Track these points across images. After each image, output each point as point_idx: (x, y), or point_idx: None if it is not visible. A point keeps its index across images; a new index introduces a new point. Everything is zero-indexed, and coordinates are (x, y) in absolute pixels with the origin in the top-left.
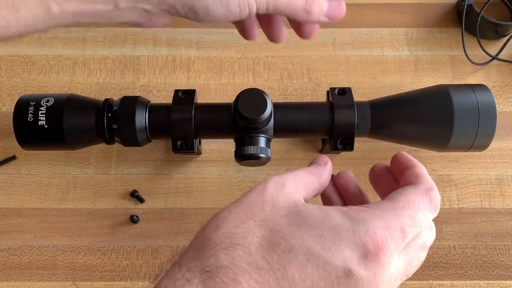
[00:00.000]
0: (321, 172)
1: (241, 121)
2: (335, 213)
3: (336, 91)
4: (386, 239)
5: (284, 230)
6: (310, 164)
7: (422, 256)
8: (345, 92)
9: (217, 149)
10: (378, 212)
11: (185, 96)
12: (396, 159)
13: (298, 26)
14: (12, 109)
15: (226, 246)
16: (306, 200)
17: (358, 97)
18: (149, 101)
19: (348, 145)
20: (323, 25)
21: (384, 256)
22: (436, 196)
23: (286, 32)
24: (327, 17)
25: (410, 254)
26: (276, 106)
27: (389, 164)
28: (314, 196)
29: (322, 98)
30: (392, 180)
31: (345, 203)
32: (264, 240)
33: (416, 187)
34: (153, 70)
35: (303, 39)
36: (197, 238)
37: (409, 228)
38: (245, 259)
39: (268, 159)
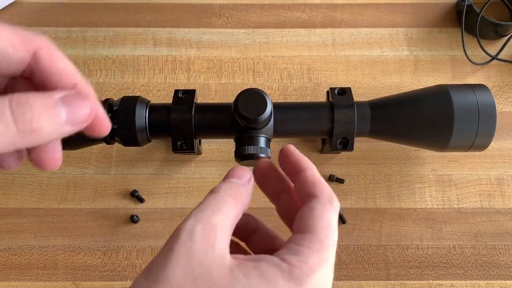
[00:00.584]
0: (242, 192)
1: (241, 121)
2: (277, 276)
3: (336, 91)
4: (330, 278)
5: None
6: (229, 176)
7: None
8: (345, 92)
9: (217, 149)
10: (313, 259)
11: (185, 96)
12: (285, 157)
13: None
14: None
15: None
16: None
17: (358, 97)
18: (149, 101)
19: (348, 145)
20: (323, 25)
21: None
22: (337, 203)
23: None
24: (70, 124)
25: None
26: (276, 106)
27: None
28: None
29: (322, 98)
30: (278, 180)
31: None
32: None
33: (320, 202)
34: (153, 70)
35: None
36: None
37: (333, 249)
38: None
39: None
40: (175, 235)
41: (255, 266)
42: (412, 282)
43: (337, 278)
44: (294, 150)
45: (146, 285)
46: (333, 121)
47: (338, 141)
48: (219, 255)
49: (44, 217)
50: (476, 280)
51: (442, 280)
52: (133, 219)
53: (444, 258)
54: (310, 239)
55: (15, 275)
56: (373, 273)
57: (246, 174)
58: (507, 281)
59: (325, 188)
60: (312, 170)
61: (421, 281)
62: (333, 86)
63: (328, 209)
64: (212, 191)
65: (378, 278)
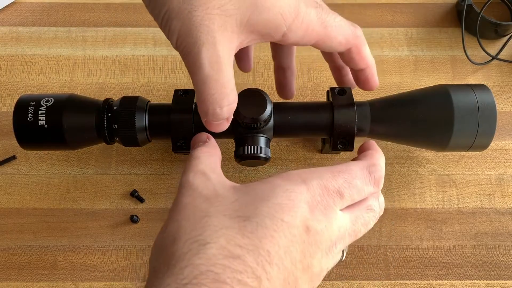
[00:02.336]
0: (214, 147)
1: (241, 121)
2: (279, 181)
3: (336, 91)
4: (325, 195)
5: (241, 213)
6: (193, 146)
7: (367, 216)
8: (344, 92)
9: None
10: (315, 174)
11: (185, 96)
12: (363, 147)
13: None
14: (12, 109)
15: (196, 251)
16: None
17: (358, 97)
18: (149, 101)
19: (348, 145)
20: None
21: (327, 210)
22: (377, 171)
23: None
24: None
25: (355, 212)
26: (276, 106)
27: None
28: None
29: (322, 98)
30: None
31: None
32: (229, 229)
33: (358, 161)
34: (153, 70)
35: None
36: (155, 260)
37: (345, 190)
38: (221, 254)
39: (268, 159)
40: (179, 187)
41: (258, 181)
42: (412, 282)
43: (337, 278)
44: (373, 142)
45: (167, 220)
46: (333, 121)
47: (338, 141)
48: (217, 181)
49: (44, 217)
50: (476, 280)
51: (442, 280)
52: (133, 219)
53: (444, 258)
54: (323, 167)
55: (15, 275)
56: (373, 273)
57: (203, 136)
58: (508, 281)
59: (374, 157)
60: (375, 151)
61: (421, 281)
62: (333, 86)
63: (360, 166)
64: (190, 158)
65: (378, 278)
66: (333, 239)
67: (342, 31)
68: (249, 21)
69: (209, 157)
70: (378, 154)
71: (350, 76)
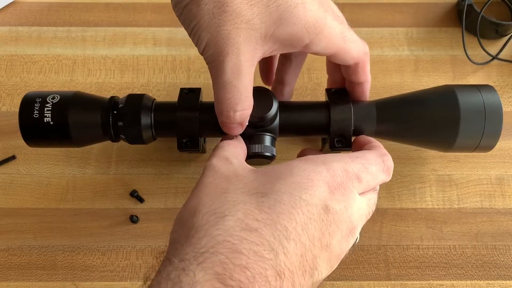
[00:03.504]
0: (240, 141)
1: None
2: (298, 162)
3: (332, 91)
4: (344, 177)
5: (261, 189)
6: (223, 140)
7: (374, 198)
8: (341, 92)
9: None
10: (336, 157)
11: (190, 94)
12: (356, 141)
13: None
14: (12, 109)
15: (214, 223)
16: None
17: None
18: (154, 99)
19: (346, 144)
20: None
21: (346, 192)
22: (389, 161)
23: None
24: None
25: (366, 195)
26: (281, 105)
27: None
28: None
29: (322, 98)
30: None
31: None
32: (247, 204)
33: (372, 150)
34: (153, 69)
35: None
36: (175, 232)
37: (363, 175)
38: (238, 226)
39: (273, 157)
40: (203, 170)
41: (278, 164)
42: (412, 282)
43: (337, 278)
44: (365, 136)
45: (190, 197)
46: (330, 120)
47: (336, 139)
48: (239, 164)
49: (43, 217)
50: (477, 280)
51: (442, 280)
52: (133, 219)
53: (445, 258)
54: (342, 153)
55: (15, 275)
56: (373, 273)
57: (230, 136)
58: (508, 281)
59: (382, 148)
60: (376, 143)
61: (421, 281)
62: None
63: (374, 154)
64: (215, 147)
65: (378, 278)
66: (353, 220)
67: (356, 47)
68: (274, 34)
69: (233, 147)
70: (381, 145)
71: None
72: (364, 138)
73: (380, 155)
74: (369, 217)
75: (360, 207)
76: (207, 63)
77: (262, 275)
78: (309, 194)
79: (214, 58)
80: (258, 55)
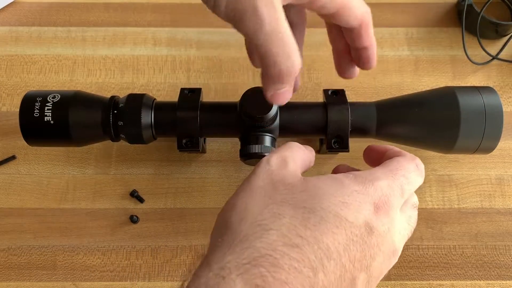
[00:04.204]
0: (310, 149)
1: (247, 120)
2: (347, 180)
3: (329, 92)
4: (390, 195)
5: (308, 204)
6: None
7: (415, 215)
8: (338, 92)
9: (217, 149)
10: (378, 174)
11: (190, 94)
12: (369, 151)
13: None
14: (12, 109)
15: (259, 235)
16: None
17: (358, 97)
18: (155, 99)
19: (343, 144)
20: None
21: (391, 211)
22: (421, 163)
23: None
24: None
25: (406, 212)
26: (281, 105)
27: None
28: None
29: (322, 98)
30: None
31: None
32: (293, 218)
33: (402, 157)
34: (153, 69)
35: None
36: (219, 235)
37: (406, 186)
38: (281, 241)
39: None
40: (256, 165)
41: (327, 176)
42: (412, 282)
43: None
44: (376, 144)
45: (236, 198)
46: (327, 120)
47: (333, 140)
48: (292, 171)
49: (43, 217)
50: (477, 280)
51: (442, 280)
52: (133, 219)
53: (445, 258)
54: (380, 168)
55: (15, 275)
56: None
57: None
58: (508, 281)
59: (407, 153)
60: (395, 148)
61: (421, 281)
62: (334, 86)
63: (407, 160)
64: (283, 145)
65: None
66: (395, 242)
67: (359, 5)
68: None
69: (299, 150)
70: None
71: (351, 59)
72: (378, 146)
73: (412, 159)
74: (409, 235)
75: (402, 227)
76: (233, 22)
77: None
78: (355, 216)
79: (243, 13)
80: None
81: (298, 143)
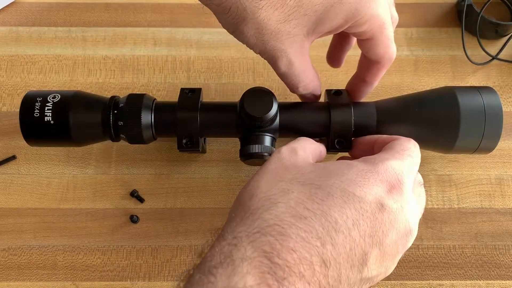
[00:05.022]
0: (320, 144)
1: (247, 120)
2: (356, 162)
3: (332, 92)
4: (403, 173)
5: (316, 182)
6: None
7: (423, 193)
8: (340, 93)
9: (217, 149)
10: (388, 155)
11: (191, 94)
12: (358, 144)
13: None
14: (12, 109)
15: (268, 207)
16: None
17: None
18: (155, 99)
19: (345, 145)
20: None
21: (405, 189)
22: (416, 143)
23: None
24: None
25: (416, 191)
26: (281, 105)
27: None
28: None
29: (322, 98)
30: None
31: None
32: (301, 193)
33: (399, 139)
34: (153, 70)
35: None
36: (233, 211)
37: (414, 165)
38: (289, 213)
39: None
40: (269, 157)
41: (337, 160)
42: (412, 282)
43: None
44: (363, 137)
45: (251, 179)
46: (330, 121)
47: (336, 141)
48: (303, 157)
49: (44, 217)
50: (476, 280)
51: (442, 280)
52: (133, 219)
53: (444, 258)
54: (387, 151)
55: (15, 275)
56: None
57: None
58: (508, 281)
59: (401, 136)
60: (385, 135)
61: (421, 281)
62: (333, 86)
63: (406, 141)
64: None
65: None
66: (409, 221)
67: (387, 43)
68: (315, 31)
69: (307, 142)
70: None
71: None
72: (369, 137)
73: (409, 140)
74: (421, 214)
75: (414, 206)
76: (267, 60)
77: (308, 259)
78: (364, 192)
79: (269, 60)
80: (306, 47)
81: (308, 138)
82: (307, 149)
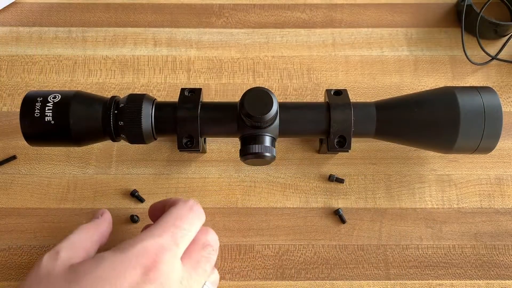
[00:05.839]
0: (98, 224)
1: (247, 120)
2: (106, 254)
3: (332, 92)
4: (159, 251)
5: None
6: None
7: (207, 253)
8: (341, 93)
9: (217, 149)
10: (145, 235)
11: (191, 95)
12: (152, 210)
13: None
14: (13, 109)
15: None
16: (94, 252)
17: (358, 97)
18: (155, 99)
19: (345, 144)
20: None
21: (163, 266)
22: (196, 204)
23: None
24: None
25: (193, 256)
26: (281, 105)
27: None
28: (101, 245)
29: (322, 98)
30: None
31: None
32: None
33: (174, 207)
34: (153, 70)
35: None
36: None
37: (178, 234)
38: None
39: (273, 158)
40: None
41: (95, 256)
42: (412, 282)
43: (337, 278)
44: (156, 203)
45: None
46: (330, 120)
47: (336, 140)
48: (63, 260)
49: (44, 217)
50: (476, 280)
51: (442, 280)
52: (133, 219)
53: (444, 258)
54: (153, 226)
55: (15, 275)
56: (373, 273)
57: (99, 211)
58: (507, 281)
59: (183, 199)
60: (173, 199)
61: (421, 281)
62: (333, 86)
63: (180, 208)
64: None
65: (378, 278)
66: None
67: None
68: None
69: (79, 235)
70: (179, 199)
71: None
72: (159, 202)
73: (184, 205)
74: (208, 275)
75: (181, 276)
76: None
77: None
78: (119, 286)
79: None
80: None
81: (83, 225)
82: (76, 244)
